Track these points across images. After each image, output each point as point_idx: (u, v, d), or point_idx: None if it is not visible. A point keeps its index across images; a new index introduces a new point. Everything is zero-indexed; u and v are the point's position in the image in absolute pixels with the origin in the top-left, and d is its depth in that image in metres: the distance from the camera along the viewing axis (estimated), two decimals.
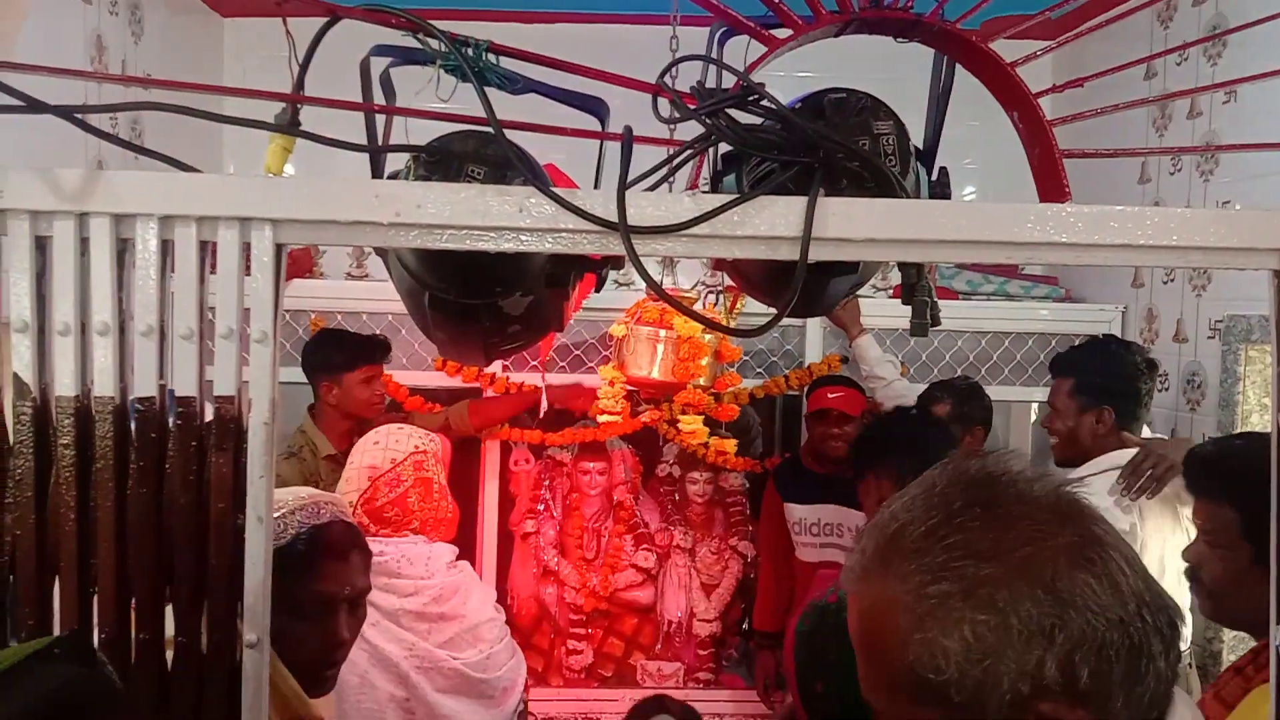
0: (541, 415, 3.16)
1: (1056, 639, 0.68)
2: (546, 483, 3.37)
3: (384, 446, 2.17)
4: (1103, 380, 2.41)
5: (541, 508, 3.34)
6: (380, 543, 2.06)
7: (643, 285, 2.80)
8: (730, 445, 2.93)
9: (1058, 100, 3.55)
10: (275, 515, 1.30)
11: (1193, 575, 1.58)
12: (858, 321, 3.06)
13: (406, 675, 2.02)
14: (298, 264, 3.40)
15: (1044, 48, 1.22)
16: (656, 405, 3.03)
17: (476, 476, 3.34)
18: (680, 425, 2.78)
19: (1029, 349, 3.28)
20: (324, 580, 1.35)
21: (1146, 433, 2.56)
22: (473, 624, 2.16)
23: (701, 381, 2.74)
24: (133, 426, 1.02)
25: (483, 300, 1.16)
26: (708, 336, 2.41)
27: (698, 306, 2.44)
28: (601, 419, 2.99)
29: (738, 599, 3.37)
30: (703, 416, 2.84)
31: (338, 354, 2.93)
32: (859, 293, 2.78)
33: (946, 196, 1.19)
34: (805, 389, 3.15)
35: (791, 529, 3.15)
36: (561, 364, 3.24)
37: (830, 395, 3.00)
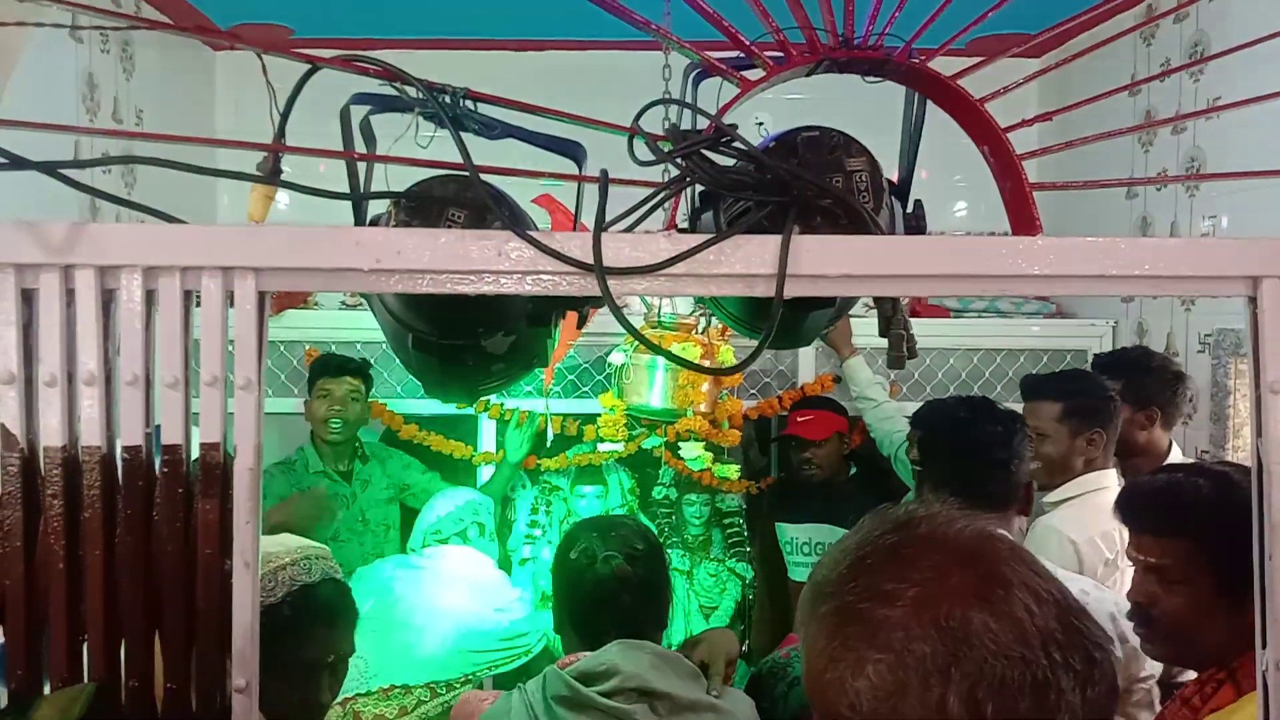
0: (549, 443, 3.17)
1: (954, 676, 0.70)
2: (543, 507, 3.38)
3: (450, 501, 2.88)
4: (1093, 402, 2.38)
5: (538, 532, 3.35)
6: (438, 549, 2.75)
7: (640, 310, 2.81)
8: (733, 471, 2.95)
9: (1045, 101, 3.55)
10: (264, 569, 1.29)
11: (1143, 616, 1.49)
12: (848, 343, 3.08)
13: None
14: (291, 295, 3.42)
15: (1010, 85, 1.23)
16: (656, 430, 3.04)
17: None
18: (681, 454, 2.81)
19: (1021, 365, 3.29)
20: (310, 646, 1.33)
21: (1176, 454, 2.55)
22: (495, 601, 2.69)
23: (702, 407, 2.76)
24: (120, 475, 1.03)
25: (465, 341, 1.17)
26: (708, 362, 2.42)
27: (698, 331, 2.46)
28: (603, 448, 3.00)
29: (736, 621, 3.36)
30: (704, 442, 2.84)
31: (315, 370, 3.04)
32: (850, 313, 2.80)
33: (922, 229, 1.21)
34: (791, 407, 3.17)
35: (784, 548, 3.17)
36: (556, 389, 3.26)
37: (798, 420, 3.02)
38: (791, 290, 1.05)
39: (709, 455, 2.82)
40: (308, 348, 3.22)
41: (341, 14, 3.45)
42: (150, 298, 1.03)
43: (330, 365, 3.02)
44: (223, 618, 1.04)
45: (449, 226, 1.12)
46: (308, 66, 1.06)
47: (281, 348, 3.23)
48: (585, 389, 3.27)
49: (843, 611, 0.76)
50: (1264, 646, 1.13)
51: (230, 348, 1.03)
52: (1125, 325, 3.27)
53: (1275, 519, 1.12)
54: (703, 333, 2.52)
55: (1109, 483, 2.28)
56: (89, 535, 1.02)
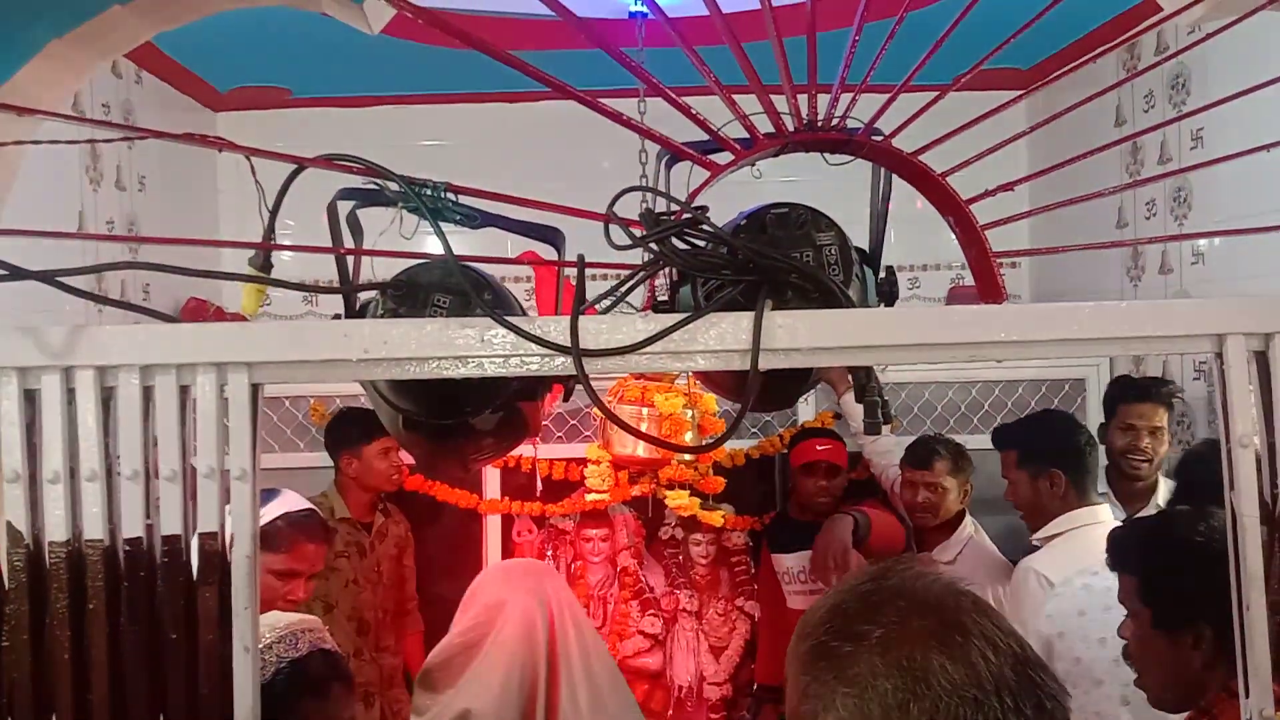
0: (539, 492, 3.20)
1: (912, 711, 0.76)
2: (550, 552, 3.40)
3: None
4: (1042, 444, 2.44)
5: None
6: None
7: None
8: (716, 518, 2.97)
9: (1035, 140, 3.58)
10: None
11: (1125, 652, 1.58)
12: (845, 378, 3.10)
13: None
14: None
15: (986, 151, 1.26)
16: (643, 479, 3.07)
17: (479, 549, 3.37)
18: (667, 501, 2.82)
19: (1019, 396, 3.32)
20: (308, 719, 1.36)
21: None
22: None
23: (686, 456, 2.78)
24: (122, 566, 1.06)
25: (455, 420, 1.21)
26: (689, 412, 2.46)
27: (680, 382, 2.49)
28: (590, 497, 3.03)
29: (747, 660, 3.37)
30: (689, 489, 2.87)
31: (356, 428, 3.02)
32: None
33: (895, 295, 1.24)
34: (789, 442, 3.19)
35: (781, 579, 3.19)
36: (558, 434, 3.29)
37: (819, 447, 3.05)
38: (766, 363, 1.08)
39: (695, 501, 2.84)
40: (312, 401, 3.27)
41: (338, 74, 3.53)
42: (148, 394, 1.07)
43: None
44: (225, 701, 1.07)
45: (435, 312, 1.16)
46: (284, 181, 1.10)
47: (286, 403, 3.27)
48: (587, 433, 3.30)
49: (818, 650, 0.84)
50: (1247, 695, 1.15)
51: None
52: (1122, 355, 3.29)
53: (1250, 569, 1.14)
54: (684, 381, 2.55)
55: (1101, 518, 2.31)
56: (94, 625, 1.05)
